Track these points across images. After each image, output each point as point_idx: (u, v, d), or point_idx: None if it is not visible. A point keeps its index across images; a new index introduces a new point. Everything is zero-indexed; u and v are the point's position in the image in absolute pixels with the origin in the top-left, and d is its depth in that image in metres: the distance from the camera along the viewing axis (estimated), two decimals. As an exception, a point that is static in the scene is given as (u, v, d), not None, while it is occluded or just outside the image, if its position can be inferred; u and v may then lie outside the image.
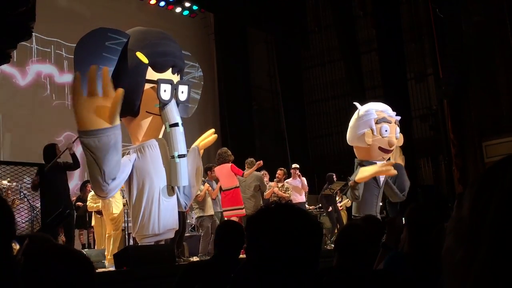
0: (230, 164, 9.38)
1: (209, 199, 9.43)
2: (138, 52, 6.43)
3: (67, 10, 13.25)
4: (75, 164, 8.18)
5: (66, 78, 13.18)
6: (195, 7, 15.34)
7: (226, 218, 8.99)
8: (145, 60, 6.44)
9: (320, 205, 11.58)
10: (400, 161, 9.38)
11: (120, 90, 5.84)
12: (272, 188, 10.45)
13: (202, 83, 8.11)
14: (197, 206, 9.32)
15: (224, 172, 9.32)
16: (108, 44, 6.28)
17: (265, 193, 10.34)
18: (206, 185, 9.44)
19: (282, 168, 10.90)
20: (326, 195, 11.37)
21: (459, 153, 11.71)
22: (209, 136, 7.46)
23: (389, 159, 9.07)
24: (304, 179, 11.35)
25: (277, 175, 10.73)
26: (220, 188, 9.53)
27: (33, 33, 8.11)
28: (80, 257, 1.23)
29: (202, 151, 7.40)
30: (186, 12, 15.52)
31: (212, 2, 14.08)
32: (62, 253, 1.18)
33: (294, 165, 11.46)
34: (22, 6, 6.29)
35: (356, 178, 8.62)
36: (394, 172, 8.66)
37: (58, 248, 1.20)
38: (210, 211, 9.35)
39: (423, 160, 15.26)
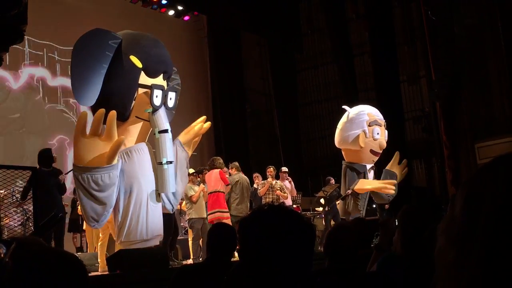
0: (219, 170, 9.46)
1: (202, 202, 9.43)
2: (132, 56, 6.38)
3: (59, 13, 13.22)
4: (61, 189, 8.32)
5: (59, 81, 13.15)
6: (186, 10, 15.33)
7: (212, 220, 8.96)
8: (139, 64, 6.39)
9: (320, 207, 11.59)
10: (396, 170, 9.33)
11: (121, 138, 5.86)
12: (267, 185, 10.37)
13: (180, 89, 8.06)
14: (189, 207, 9.31)
15: (212, 176, 9.39)
16: (111, 43, 6.25)
17: (259, 191, 10.41)
18: (202, 186, 9.44)
19: (271, 166, 10.81)
20: (320, 197, 11.39)
21: (451, 155, 11.74)
22: (195, 126, 7.19)
23: (378, 165, 9.12)
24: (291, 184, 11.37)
25: (268, 173, 10.61)
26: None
27: (25, 36, 8.08)
28: (72, 260, 1.22)
29: (197, 139, 7.21)
30: (178, 15, 15.51)
31: (205, 5, 14.08)
32: (54, 256, 1.17)
33: (283, 169, 11.36)
34: (13, 9, 6.27)
35: (356, 187, 8.55)
36: (393, 192, 8.61)
37: (50, 251, 1.19)
38: (202, 213, 9.35)
39: (416, 162, 15.30)
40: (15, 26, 6.54)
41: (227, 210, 9.30)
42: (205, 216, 9.41)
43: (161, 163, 6.33)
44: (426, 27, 12.41)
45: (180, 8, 15.02)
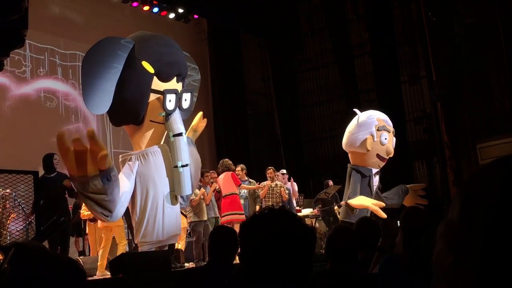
0: (231, 172, 9.54)
1: (203, 204, 9.43)
2: (144, 62, 6.39)
3: (60, 17, 13.23)
4: (71, 194, 8.29)
5: (60, 85, 13.15)
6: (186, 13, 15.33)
7: (225, 223, 8.96)
8: (151, 70, 6.40)
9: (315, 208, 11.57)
10: (412, 193, 9.45)
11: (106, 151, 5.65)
12: (266, 187, 10.15)
13: (198, 85, 8.14)
14: (190, 210, 9.31)
15: (226, 179, 9.43)
16: (123, 42, 6.24)
17: (258, 194, 10.25)
18: (202, 190, 9.44)
19: (271, 167, 10.56)
20: (321, 199, 11.38)
21: (453, 155, 11.73)
22: (199, 122, 7.41)
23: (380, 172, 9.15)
24: (295, 184, 11.29)
25: (268, 174, 10.39)
26: (220, 194, 9.63)
27: (26, 41, 8.09)
28: (72, 265, 1.22)
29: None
30: (179, 18, 15.51)
31: (205, 7, 14.08)
32: (54, 261, 1.17)
33: (282, 171, 11.17)
34: (14, 14, 6.28)
35: (352, 202, 8.49)
36: (383, 215, 8.53)
37: (50, 256, 1.19)
38: (203, 216, 9.35)
39: (417, 163, 15.28)
40: (16, 30, 6.55)
41: (242, 212, 9.29)
42: (205, 218, 9.41)
43: (176, 167, 6.38)
44: (426, 27, 12.41)
45: (180, 11, 15.03)
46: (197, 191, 9.35)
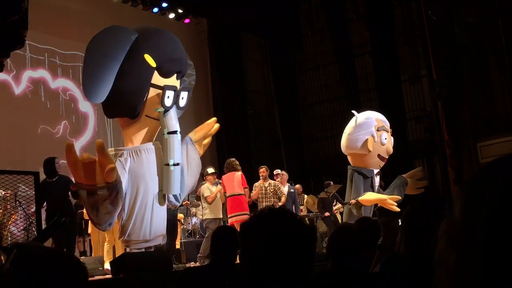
0: (240, 173, 9.41)
1: (219, 202, 9.34)
2: (146, 55, 6.34)
3: (60, 17, 13.23)
4: (75, 195, 8.28)
5: (61, 85, 13.16)
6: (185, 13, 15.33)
7: (232, 224, 8.90)
8: (152, 63, 6.35)
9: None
10: (412, 182, 9.40)
11: (114, 165, 5.70)
12: (258, 187, 9.71)
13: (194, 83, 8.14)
14: (205, 207, 9.25)
15: (232, 179, 9.32)
16: (130, 37, 6.18)
17: (252, 193, 9.75)
18: (219, 186, 9.34)
19: (263, 166, 10.07)
20: (322, 199, 11.37)
21: (454, 154, 11.71)
22: (208, 126, 7.36)
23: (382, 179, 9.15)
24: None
25: (261, 173, 9.87)
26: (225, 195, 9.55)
27: (26, 41, 8.09)
28: (74, 263, 1.22)
29: (207, 141, 7.32)
30: (179, 18, 15.51)
31: (205, 7, 14.08)
32: (56, 260, 1.16)
33: (276, 171, 10.76)
34: (14, 14, 6.27)
35: (361, 199, 8.52)
36: (397, 209, 8.51)
37: (52, 254, 1.18)
38: (219, 214, 9.28)
39: (418, 162, 15.27)
40: (16, 31, 6.54)
41: (248, 212, 9.16)
42: (221, 217, 9.31)
43: (167, 165, 6.32)
44: (426, 26, 12.40)
45: (180, 11, 15.03)
46: (213, 188, 9.29)
